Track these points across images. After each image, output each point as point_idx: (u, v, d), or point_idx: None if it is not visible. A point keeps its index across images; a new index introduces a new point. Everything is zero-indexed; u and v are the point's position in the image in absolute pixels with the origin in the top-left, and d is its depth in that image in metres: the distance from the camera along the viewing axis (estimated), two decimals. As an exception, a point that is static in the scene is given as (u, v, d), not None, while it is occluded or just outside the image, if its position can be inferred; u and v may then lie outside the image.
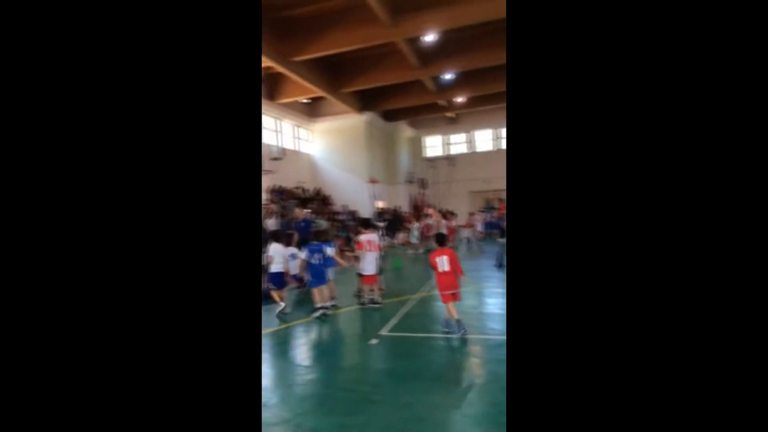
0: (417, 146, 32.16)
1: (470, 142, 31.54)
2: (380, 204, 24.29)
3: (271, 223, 13.58)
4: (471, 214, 20.31)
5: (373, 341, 6.43)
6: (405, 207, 27.32)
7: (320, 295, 7.91)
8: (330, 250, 7.91)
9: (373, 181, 22.14)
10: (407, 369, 5.16)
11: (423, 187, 29.55)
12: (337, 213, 20.91)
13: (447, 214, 18.50)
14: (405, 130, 30.20)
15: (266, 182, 18.02)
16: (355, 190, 23.72)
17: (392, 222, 20.84)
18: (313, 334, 7.07)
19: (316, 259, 7.85)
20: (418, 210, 26.13)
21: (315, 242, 8.11)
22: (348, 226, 18.21)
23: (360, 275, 8.60)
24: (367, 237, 8.42)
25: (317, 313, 7.82)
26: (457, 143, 31.89)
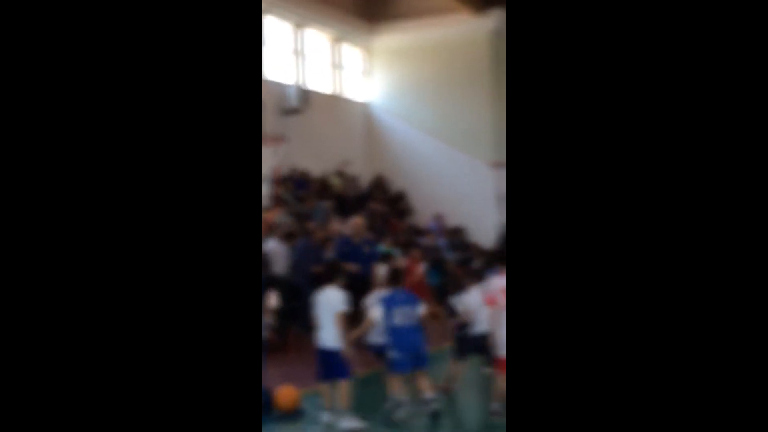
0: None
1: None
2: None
3: (275, 250, 8.97)
4: None
5: None
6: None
7: (424, 382, 5.67)
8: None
9: (503, 165, 15.75)
10: None
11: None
12: (422, 232, 14.18)
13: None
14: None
15: (269, 162, 11.45)
16: (463, 183, 15.92)
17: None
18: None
19: (400, 318, 5.61)
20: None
21: (398, 288, 5.97)
22: (447, 261, 12.38)
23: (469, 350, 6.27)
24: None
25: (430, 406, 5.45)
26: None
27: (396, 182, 16.35)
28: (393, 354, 5.65)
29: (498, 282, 5.67)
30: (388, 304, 5.78)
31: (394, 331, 5.67)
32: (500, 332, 5.51)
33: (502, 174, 15.41)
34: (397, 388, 5.67)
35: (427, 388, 5.58)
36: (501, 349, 5.50)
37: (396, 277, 6.12)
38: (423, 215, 15.29)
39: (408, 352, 5.62)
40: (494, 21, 15.88)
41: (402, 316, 5.69)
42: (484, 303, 5.83)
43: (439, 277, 12.12)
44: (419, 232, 14.39)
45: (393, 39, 16.67)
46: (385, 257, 9.06)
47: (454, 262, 12.43)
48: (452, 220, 14.75)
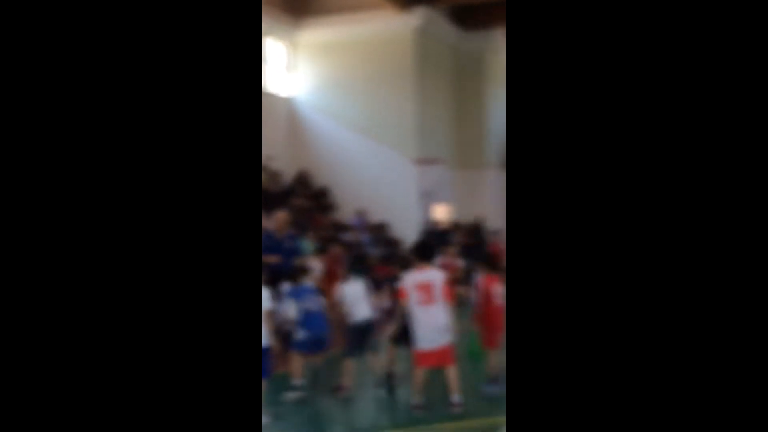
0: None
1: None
2: (441, 211, 16.38)
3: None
4: None
5: None
6: (500, 218, 16.91)
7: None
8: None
9: (426, 162, 15.47)
10: None
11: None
12: (345, 227, 13.81)
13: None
14: (503, 50, 19.28)
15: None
16: (387, 180, 15.69)
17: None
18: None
19: (315, 305, 6.19)
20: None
21: (303, 282, 6.51)
22: (369, 257, 11.28)
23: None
24: (423, 276, 5.56)
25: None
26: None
27: (319, 178, 15.60)
28: (300, 334, 5.98)
29: (412, 277, 5.62)
30: (295, 296, 6.23)
31: (302, 316, 6.07)
32: (416, 328, 5.42)
33: (425, 170, 15.24)
34: (296, 368, 5.89)
35: (320, 362, 6.27)
36: (418, 343, 5.39)
37: (303, 273, 6.50)
38: (346, 211, 14.77)
39: (313, 334, 6.02)
40: (418, 18, 15.49)
41: (308, 304, 6.12)
42: (399, 295, 5.78)
43: (361, 273, 11.91)
44: (342, 227, 13.95)
45: (317, 34, 15.97)
46: (321, 251, 9.53)
47: (377, 258, 12.35)
48: (375, 216, 14.39)
